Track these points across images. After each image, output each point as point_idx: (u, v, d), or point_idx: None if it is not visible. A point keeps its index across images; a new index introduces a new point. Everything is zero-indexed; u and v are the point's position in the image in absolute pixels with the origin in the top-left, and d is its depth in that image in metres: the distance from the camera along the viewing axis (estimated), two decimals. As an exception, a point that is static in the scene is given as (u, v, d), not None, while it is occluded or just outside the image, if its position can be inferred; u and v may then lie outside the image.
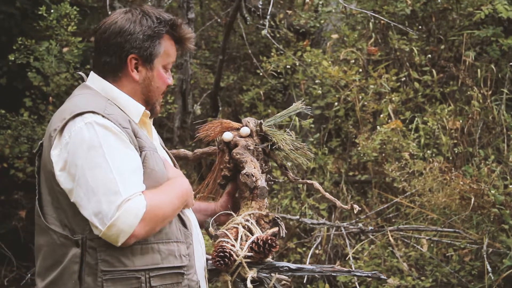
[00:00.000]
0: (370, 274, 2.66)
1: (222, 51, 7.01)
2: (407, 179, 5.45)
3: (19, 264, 6.95)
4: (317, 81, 6.49)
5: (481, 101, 5.92)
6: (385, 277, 2.78)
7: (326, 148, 6.19)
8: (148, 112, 2.52)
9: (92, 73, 2.49)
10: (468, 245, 5.09)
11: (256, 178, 2.63)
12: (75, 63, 6.54)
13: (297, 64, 6.78)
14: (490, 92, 6.02)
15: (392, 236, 5.26)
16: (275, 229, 2.60)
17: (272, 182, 2.93)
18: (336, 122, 6.43)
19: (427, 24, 6.75)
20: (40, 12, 6.38)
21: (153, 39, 2.45)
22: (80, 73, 2.59)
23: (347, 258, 5.28)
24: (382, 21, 6.54)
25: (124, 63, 2.43)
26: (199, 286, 2.45)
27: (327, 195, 2.84)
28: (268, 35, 6.80)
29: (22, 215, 6.91)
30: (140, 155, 2.33)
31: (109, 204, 2.17)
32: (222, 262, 2.43)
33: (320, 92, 6.45)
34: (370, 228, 5.37)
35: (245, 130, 2.80)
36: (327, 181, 5.88)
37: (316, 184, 2.83)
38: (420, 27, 6.71)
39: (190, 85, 7.03)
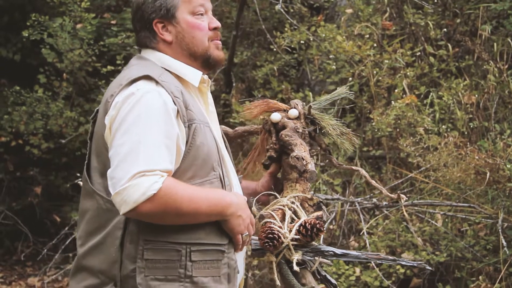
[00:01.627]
0: (415, 264, 2.67)
1: (236, 27, 6.97)
2: (421, 154, 5.42)
3: (35, 240, 7.03)
4: (331, 56, 6.44)
5: (497, 75, 5.85)
6: (431, 268, 2.77)
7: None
8: (206, 78, 2.50)
9: (143, 49, 2.51)
10: (483, 219, 5.07)
11: (306, 161, 2.62)
12: (89, 40, 6.54)
13: (311, 39, 6.72)
14: (506, 66, 5.94)
15: (406, 211, 5.24)
16: (319, 212, 2.57)
17: (317, 165, 2.91)
18: (351, 98, 6.38)
19: (443, -3, 6.67)
20: (53, -12, 6.39)
21: None
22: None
23: (361, 233, 5.27)
24: (397, -5, 6.48)
25: (153, 31, 2.45)
26: (237, 266, 2.43)
27: (373, 182, 2.83)
28: (282, 10, 6.75)
29: (38, 191, 6.98)
30: (190, 128, 2.30)
31: (124, 171, 2.16)
32: (270, 243, 2.42)
33: (334, 67, 6.40)
34: (384, 203, 5.35)
35: (293, 112, 2.77)
36: (341, 157, 5.86)
37: (362, 171, 2.83)
38: (435, 0, 6.63)
39: (204, 61, 7.00)
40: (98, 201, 2.34)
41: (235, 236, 2.37)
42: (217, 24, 2.48)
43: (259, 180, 2.84)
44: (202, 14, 2.45)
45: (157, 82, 2.29)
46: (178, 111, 2.27)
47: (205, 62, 2.47)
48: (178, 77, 2.43)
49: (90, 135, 2.45)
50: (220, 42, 2.50)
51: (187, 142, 2.29)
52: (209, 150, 2.34)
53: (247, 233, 2.40)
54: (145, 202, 2.14)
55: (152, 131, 2.20)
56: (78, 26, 6.58)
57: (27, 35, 6.39)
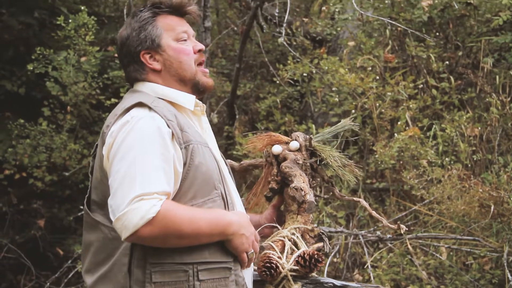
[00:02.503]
0: None
1: (239, 59, 7.02)
2: (425, 187, 5.41)
3: (38, 273, 6.98)
4: (334, 89, 6.47)
5: (499, 108, 5.87)
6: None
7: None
8: (200, 102, 2.54)
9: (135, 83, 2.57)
10: (488, 253, 5.04)
11: (305, 192, 2.64)
12: (93, 73, 6.57)
13: (314, 71, 6.77)
14: (509, 99, 5.97)
15: (410, 244, 5.22)
16: (320, 244, 2.60)
17: (317, 198, 2.92)
18: (353, 130, 6.39)
19: (445, 30, 6.71)
20: (58, 22, 6.43)
21: (145, 27, 2.50)
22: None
23: (365, 267, 5.24)
24: (399, 28, 6.52)
25: (141, 63, 2.50)
26: (246, 283, 2.43)
27: (374, 213, 2.82)
28: (285, 43, 6.80)
29: (41, 224, 6.95)
30: (187, 149, 2.33)
31: (123, 197, 2.19)
32: (268, 273, 2.45)
33: (337, 99, 6.43)
34: (388, 236, 5.33)
35: (294, 145, 2.80)
36: (344, 189, 5.86)
37: (363, 202, 2.83)
38: (437, 33, 6.68)
39: (207, 93, 7.04)
40: (103, 231, 2.37)
41: (240, 254, 2.38)
42: (201, 46, 2.53)
43: (263, 213, 2.85)
44: (185, 40, 2.51)
45: (150, 108, 2.33)
46: (172, 134, 2.31)
47: (194, 87, 2.51)
48: (172, 103, 2.46)
49: (91, 169, 2.49)
50: (207, 70, 2.55)
51: (185, 163, 2.32)
52: (208, 169, 2.37)
53: (253, 251, 2.40)
54: (145, 225, 2.16)
55: (148, 155, 2.24)
56: (83, 59, 6.62)
57: (32, 68, 6.43)
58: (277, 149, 2.80)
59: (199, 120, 2.56)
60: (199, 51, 2.52)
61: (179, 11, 2.55)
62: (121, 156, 2.26)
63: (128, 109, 2.35)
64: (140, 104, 2.36)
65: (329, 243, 2.68)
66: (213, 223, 2.30)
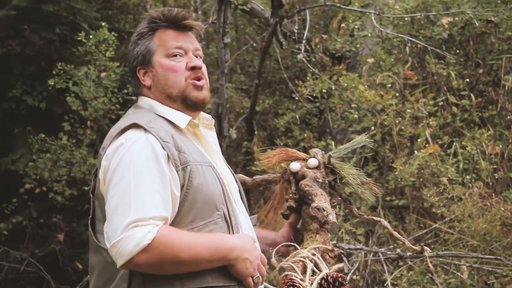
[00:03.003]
0: None
1: (258, 75, 7.04)
2: (446, 205, 5.38)
3: (58, 287, 7.01)
4: (353, 105, 6.47)
5: (521, 125, 5.84)
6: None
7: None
8: (197, 122, 2.46)
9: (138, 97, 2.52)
10: (510, 272, 4.99)
11: (327, 212, 2.53)
12: (113, 88, 6.62)
13: (333, 88, 6.77)
14: (530, 117, 5.94)
15: (431, 262, 5.18)
16: (341, 264, 2.51)
17: (336, 216, 2.85)
18: (373, 147, 6.38)
19: (465, 48, 6.70)
20: (79, 38, 6.49)
21: (139, 42, 2.46)
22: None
23: (385, 284, 5.21)
24: (418, 45, 6.51)
25: (137, 78, 2.46)
26: None
27: (396, 233, 2.73)
28: (304, 59, 6.82)
29: (61, 238, 6.99)
30: (184, 170, 2.25)
31: (117, 223, 2.13)
32: None
33: (356, 116, 6.42)
34: (408, 254, 5.29)
35: (313, 162, 2.70)
36: (363, 206, 5.83)
37: (384, 222, 2.75)
38: (457, 51, 6.66)
39: (226, 109, 7.07)
40: (103, 254, 2.30)
41: (245, 279, 2.30)
42: (195, 63, 2.43)
43: (279, 230, 2.76)
44: (181, 55, 2.43)
45: (145, 130, 2.27)
46: (168, 156, 2.24)
47: (184, 103, 2.42)
48: (169, 121, 2.40)
49: (92, 189, 2.41)
50: (198, 82, 2.44)
51: (183, 185, 2.25)
52: (209, 190, 2.29)
53: (258, 275, 2.33)
54: (140, 253, 2.09)
55: (143, 180, 2.17)
56: (103, 74, 6.67)
57: (52, 83, 6.48)
58: (295, 166, 2.70)
59: (199, 136, 2.48)
60: (192, 68, 2.42)
61: (176, 25, 2.47)
62: (116, 181, 2.20)
63: (123, 131, 2.30)
64: (135, 126, 2.29)
65: (348, 260, 2.63)
66: (213, 248, 2.22)
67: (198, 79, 2.43)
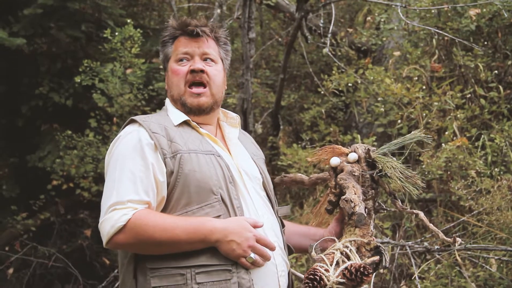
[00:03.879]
0: None
1: (283, 70, 7.02)
2: (474, 197, 5.30)
3: (85, 282, 7.07)
4: (379, 99, 6.41)
5: (550, 117, 5.74)
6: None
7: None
8: (233, 114, 2.77)
9: None
10: (539, 265, 4.91)
11: (354, 204, 2.58)
12: (138, 84, 6.64)
13: (359, 82, 6.72)
14: (559, 108, 5.82)
15: (459, 255, 5.11)
16: (376, 257, 2.53)
17: (384, 211, 2.84)
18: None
19: (493, 39, 6.59)
20: (104, 35, 6.53)
21: (162, 49, 2.73)
22: None
23: (412, 278, 5.15)
24: (445, 37, 6.42)
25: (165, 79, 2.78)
26: (253, 285, 2.41)
27: (431, 226, 2.75)
28: (329, 53, 6.77)
29: (88, 234, 7.05)
30: (174, 158, 2.43)
31: (103, 207, 2.38)
32: (311, 284, 2.40)
33: (382, 109, 6.36)
34: (436, 247, 5.22)
35: (352, 156, 2.76)
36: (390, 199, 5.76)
37: (421, 215, 2.75)
38: (485, 42, 6.55)
39: (251, 104, 7.05)
40: None
41: (236, 260, 2.38)
42: (195, 66, 2.62)
43: (328, 226, 2.83)
44: (187, 60, 2.64)
45: (139, 124, 2.51)
46: (155, 145, 2.44)
47: (183, 107, 2.63)
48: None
49: None
50: (194, 91, 2.62)
51: (173, 172, 2.41)
52: (203, 176, 2.43)
53: (252, 255, 2.39)
54: (117, 234, 2.31)
55: (126, 167, 2.39)
56: (128, 71, 6.70)
57: (79, 80, 6.53)
58: (334, 161, 2.77)
59: (210, 134, 2.63)
60: (191, 71, 2.61)
61: (187, 32, 2.66)
62: (108, 170, 2.46)
63: (123, 126, 2.57)
64: (132, 121, 2.55)
65: (386, 255, 2.60)
66: (191, 231, 2.34)
67: (197, 84, 2.62)
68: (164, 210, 2.43)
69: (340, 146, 2.85)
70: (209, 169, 2.46)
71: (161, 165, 2.42)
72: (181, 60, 2.64)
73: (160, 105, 6.78)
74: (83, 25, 7.11)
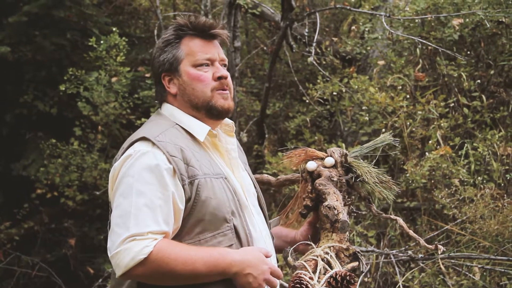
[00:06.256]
0: None
1: (268, 79, 7.03)
2: (457, 206, 5.34)
3: (69, 292, 7.03)
4: (364, 108, 6.44)
5: (533, 126, 5.79)
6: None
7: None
8: (215, 132, 2.50)
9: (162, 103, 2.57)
10: (522, 273, 4.94)
11: (338, 211, 2.56)
12: (124, 93, 6.64)
13: (344, 90, 6.75)
14: (542, 117, 5.88)
15: (443, 264, 5.14)
16: (355, 263, 2.53)
17: (355, 214, 2.85)
18: (384, 149, 6.34)
19: (476, 49, 6.65)
20: (90, 43, 6.53)
21: (165, 49, 2.50)
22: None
23: (397, 286, 5.17)
24: (429, 47, 6.48)
25: (162, 85, 2.51)
26: None
27: (411, 232, 2.74)
28: (314, 62, 6.80)
29: (72, 243, 7.02)
30: (192, 184, 2.30)
31: (117, 235, 2.21)
32: None
33: (367, 118, 6.39)
34: (420, 255, 5.25)
35: (329, 161, 2.73)
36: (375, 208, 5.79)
37: (400, 221, 2.75)
38: (468, 52, 6.61)
39: (236, 112, 7.06)
40: None
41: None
42: (222, 73, 2.47)
43: (300, 229, 2.80)
44: (207, 65, 2.47)
45: (153, 143, 2.32)
46: (174, 170, 2.28)
47: (208, 113, 2.46)
48: (186, 130, 2.45)
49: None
50: (225, 92, 2.48)
51: (190, 198, 2.30)
52: (218, 203, 2.33)
53: None
54: (137, 266, 2.17)
55: (145, 194, 2.23)
56: (113, 79, 6.70)
57: (64, 88, 6.52)
58: (311, 165, 2.74)
59: (216, 145, 2.52)
60: (219, 78, 2.46)
61: (204, 34, 2.49)
62: (121, 192, 2.27)
63: (132, 143, 2.36)
64: (144, 139, 2.35)
65: (363, 261, 2.61)
66: (211, 264, 2.25)
67: (224, 89, 2.48)
68: (176, 237, 2.32)
69: (314, 149, 2.83)
70: (222, 195, 2.36)
71: (180, 192, 2.29)
72: (201, 65, 2.45)
73: (145, 114, 6.78)
74: (68, 33, 7.10)
